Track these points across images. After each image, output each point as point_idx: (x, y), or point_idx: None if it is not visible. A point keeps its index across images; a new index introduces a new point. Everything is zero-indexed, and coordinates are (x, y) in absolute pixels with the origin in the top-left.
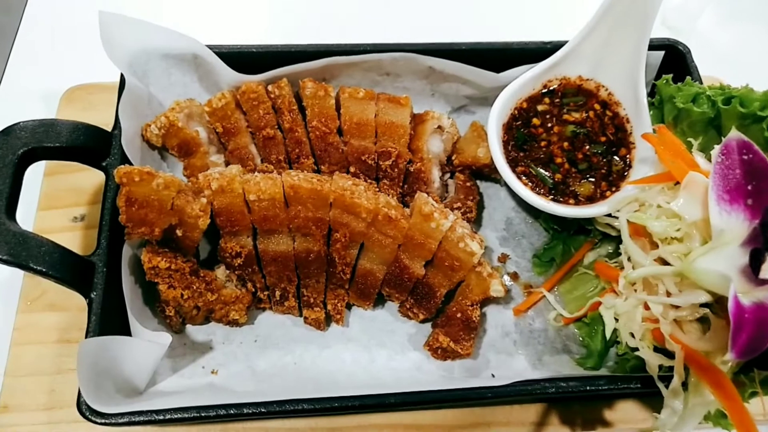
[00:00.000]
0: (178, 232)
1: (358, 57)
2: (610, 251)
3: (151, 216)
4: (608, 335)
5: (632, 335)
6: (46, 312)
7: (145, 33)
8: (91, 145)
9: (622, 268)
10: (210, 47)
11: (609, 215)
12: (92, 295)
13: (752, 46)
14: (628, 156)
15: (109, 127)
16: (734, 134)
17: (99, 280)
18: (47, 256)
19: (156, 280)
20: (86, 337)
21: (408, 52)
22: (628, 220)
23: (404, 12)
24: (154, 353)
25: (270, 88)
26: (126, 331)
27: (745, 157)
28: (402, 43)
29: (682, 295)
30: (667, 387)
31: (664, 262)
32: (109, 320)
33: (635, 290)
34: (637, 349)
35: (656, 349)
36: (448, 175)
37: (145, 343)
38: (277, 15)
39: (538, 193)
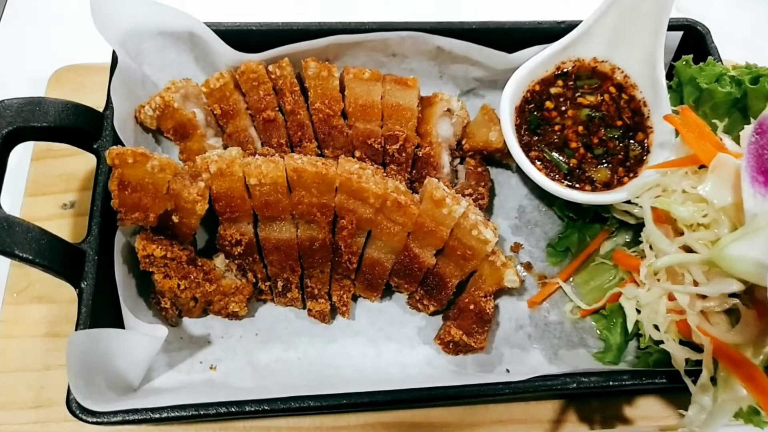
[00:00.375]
0: (174, 218)
1: (363, 36)
2: (628, 240)
3: (146, 200)
4: (630, 328)
5: (656, 327)
6: (34, 304)
7: (139, 9)
8: (81, 126)
9: (643, 257)
10: (207, 24)
11: (628, 202)
12: (83, 285)
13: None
14: (645, 141)
15: (100, 109)
16: None
17: (90, 268)
18: (34, 242)
19: (151, 270)
20: (76, 330)
21: (415, 31)
22: (651, 207)
23: None
24: (149, 347)
25: (270, 68)
26: (119, 324)
27: None
28: (409, 21)
29: (711, 284)
30: (694, 382)
31: (689, 250)
32: (100, 312)
33: (658, 280)
34: (661, 342)
35: (682, 342)
36: (458, 160)
37: (140, 336)
38: None
39: (554, 179)
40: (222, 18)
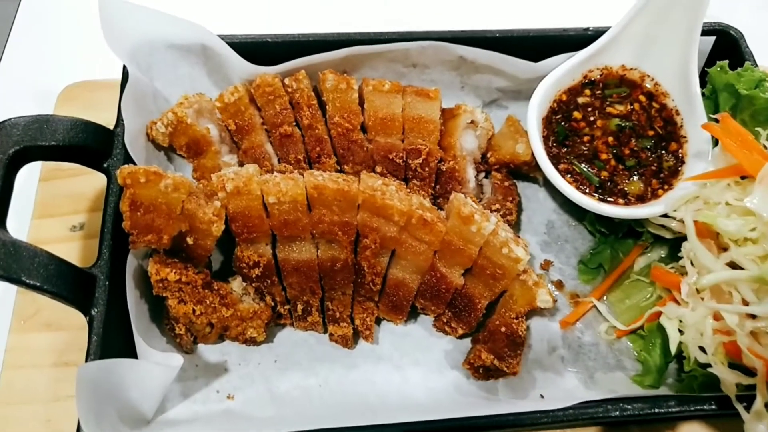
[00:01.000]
0: (189, 240)
1: (382, 46)
2: (663, 255)
3: (159, 222)
4: (673, 349)
5: (702, 350)
6: (42, 332)
7: (150, 21)
8: (91, 144)
9: (682, 273)
10: (221, 37)
11: (664, 215)
12: (93, 312)
13: None
14: (679, 151)
15: (111, 126)
16: None
17: (101, 294)
18: (42, 268)
19: (164, 295)
20: (86, 360)
21: (437, 40)
22: (694, 221)
23: None
24: (163, 377)
25: (287, 81)
26: (131, 352)
27: None
28: (430, 30)
29: (763, 303)
30: (747, 408)
31: (735, 266)
32: (111, 340)
33: (702, 298)
34: (708, 366)
35: (731, 365)
36: (483, 174)
37: (153, 365)
38: (294, 2)
39: (584, 192)
40: (236, 30)
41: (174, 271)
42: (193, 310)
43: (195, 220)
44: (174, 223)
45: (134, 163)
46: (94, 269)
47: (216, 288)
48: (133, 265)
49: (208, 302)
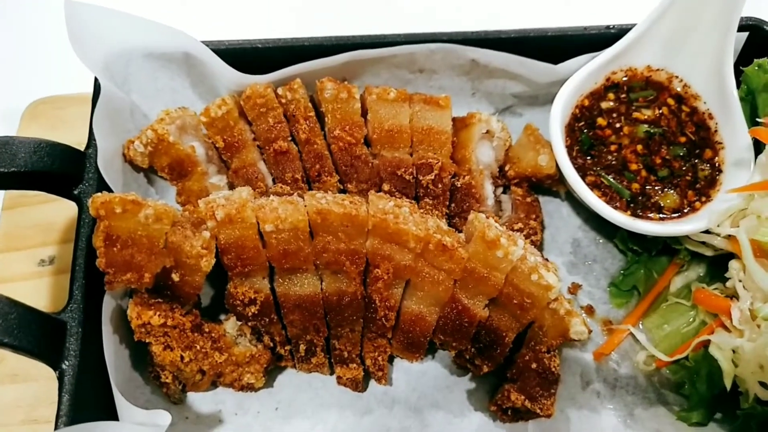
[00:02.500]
0: (175, 277)
1: (386, 50)
2: (701, 274)
3: (139, 258)
4: (728, 384)
5: (763, 385)
6: (7, 384)
7: (125, 27)
8: (58, 169)
9: (729, 296)
10: (205, 43)
11: (706, 231)
12: (64, 366)
13: None
14: (715, 158)
15: (82, 147)
16: None
17: (72, 345)
18: (1, 318)
19: (148, 340)
20: (56, 424)
21: (446, 42)
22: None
23: None
24: None
25: (280, 91)
26: (110, 409)
27: None
28: (438, 32)
29: None
30: None
31: None
32: (86, 396)
33: (759, 326)
34: None
35: None
36: (501, 189)
37: (136, 428)
38: (286, 2)
39: (615, 207)
40: (222, 35)
41: (158, 313)
42: (182, 357)
43: (181, 255)
44: (157, 259)
45: (109, 189)
46: (64, 315)
47: (207, 330)
48: (111, 306)
49: (198, 347)
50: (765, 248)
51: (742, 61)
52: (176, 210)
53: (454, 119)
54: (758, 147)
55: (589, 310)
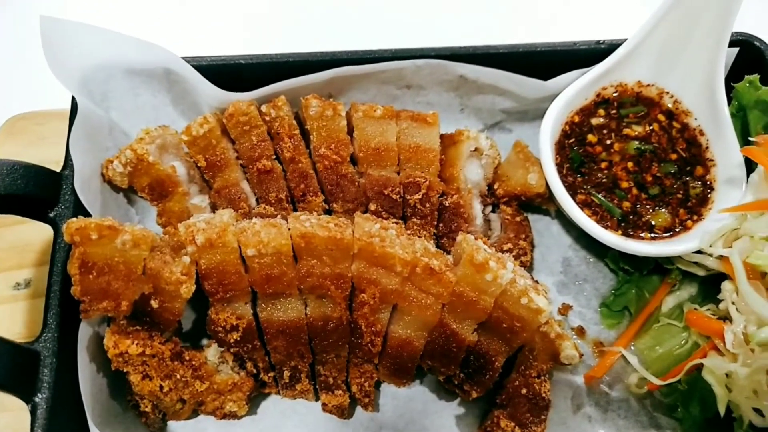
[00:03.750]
0: (154, 304)
1: (372, 66)
2: (693, 294)
3: (116, 285)
4: (721, 410)
5: (758, 411)
6: None
7: (103, 43)
8: (32, 192)
9: (721, 317)
10: (187, 59)
11: (698, 251)
12: (37, 399)
13: None
14: (707, 176)
15: (61, 164)
16: None
17: (46, 376)
18: None
19: (126, 369)
20: None
21: (434, 58)
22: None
23: (427, 10)
24: None
25: (264, 108)
26: None
27: None
28: (426, 47)
29: None
30: None
31: None
32: (61, 429)
33: (752, 350)
34: (765, 431)
35: None
36: (490, 207)
37: None
38: (269, 17)
39: (606, 227)
40: (203, 51)
41: (136, 342)
42: (161, 387)
43: (160, 281)
44: (134, 286)
45: (86, 213)
46: (37, 344)
47: (187, 359)
48: (88, 334)
49: (178, 376)
50: (758, 270)
51: (733, 76)
52: (155, 235)
53: (442, 136)
54: (750, 164)
55: (580, 332)
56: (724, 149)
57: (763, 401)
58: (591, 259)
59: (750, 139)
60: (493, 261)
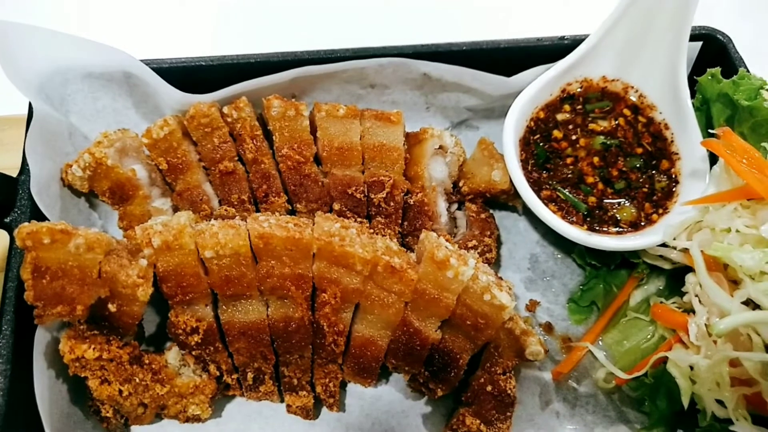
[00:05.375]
0: (112, 308)
1: (335, 66)
2: (661, 287)
3: (71, 289)
4: (685, 402)
5: (720, 402)
6: None
7: (60, 46)
8: None
9: (686, 310)
10: (147, 62)
11: (662, 244)
12: None
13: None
14: (672, 169)
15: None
16: None
17: (0, 383)
18: None
19: (84, 374)
20: None
21: (397, 56)
22: (702, 252)
23: (389, 9)
24: None
25: (226, 110)
26: None
27: None
28: (389, 46)
29: None
30: None
31: (753, 304)
32: None
33: (715, 342)
34: (728, 421)
35: (755, 420)
36: (456, 205)
37: None
38: (230, 18)
39: (571, 222)
40: (164, 53)
41: (93, 346)
42: (120, 391)
43: (116, 284)
44: (90, 290)
45: (43, 217)
46: None
47: (147, 362)
48: (46, 340)
49: (137, 380)
50: (720, 262)
51: (697, 71)
52: (111, 238)
53: (407, 135)
54: (714, 157)
55: (548, 328)
56: (689, 142)
57: (725, 392)
58: (559, 256)
59: (710, 131)
60: (454, 258)
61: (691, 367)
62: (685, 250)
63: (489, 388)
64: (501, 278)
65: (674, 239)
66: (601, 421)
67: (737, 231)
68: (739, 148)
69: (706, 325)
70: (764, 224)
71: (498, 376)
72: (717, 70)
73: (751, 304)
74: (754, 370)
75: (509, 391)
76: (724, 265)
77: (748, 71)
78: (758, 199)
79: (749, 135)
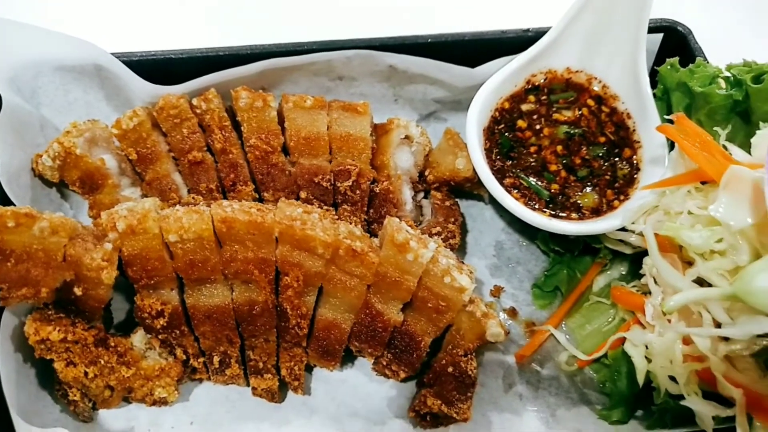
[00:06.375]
0: (77, 291)
1: (302, 58)
2: (624, 272)
3: (35, 272)
4: (640, 381)
5: (673, 379)
6: None
7: (30, 39)
8: None
9: (646, 293)
10: (116, 55)
11: (622, 229)
12: None
13: (736, 31)
14: (634, 157)
15: None
16: None
17: None
18: None
19: (49, 357)
20: None
21: (363, 48)
22: (655, 234)
23: (357, 2)
24: None
25: (195, 101)
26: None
27: None
28: (355, 38)
29: (738, 324)
30: None
31: (704, 283)
32: None
33: (669, 320)
34: (680, 397)
35: (706, 395)
36: (422, 194)
37: None
38: (198, 11)
39: (534, 209)
40: (134, 47)
41: (58, 329)
42: (86, 373)
43: (81, 268)
44: (55, 273)
45: (13, 205)
46: None
47: (112, 345)
48: (13, 324)
49: (103, 362)
50: (672, 243)
51: (660, 62)
52: (76, 223)
53: (376, 126)
54: (673, 144)
55: (512, 313)
56: (649, 131)
57: (677, 369)
58: (524, 243)
59: (665, 117)
60: (414, 241)
61: (647, 347)
62: (643, 234)
63: (450, 369)
64: (463, 262)
65: (633, 223)
66: (563, 403)
67: (689, 212)
68: (692, 132)
69: (661, 304)
70: (714, 205)
71: (459, 357)
72: (675, 59)
73: (705, 284)
74: (704, 346)
75: (470, 372)
76: (680, 247)
77: (707, 61)
78: (711, 182)
79: (705, 121)
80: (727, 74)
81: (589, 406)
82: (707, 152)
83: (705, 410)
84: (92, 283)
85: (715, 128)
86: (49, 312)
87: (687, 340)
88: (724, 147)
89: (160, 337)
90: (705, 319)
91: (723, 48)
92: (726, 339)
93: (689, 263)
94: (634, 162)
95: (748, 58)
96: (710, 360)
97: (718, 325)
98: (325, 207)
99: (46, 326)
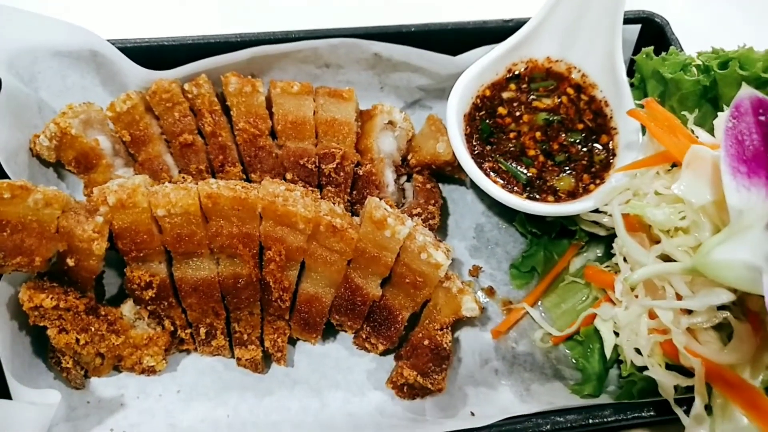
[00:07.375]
0: (70, 262)
1: (290, 45)
2: (600, 254)
3: (30, 242)
4: (608, 354)
5: (638, 351)
6: None
7: (30, 25)
8: None
9: (617, 272)
10: (111, 42)
11: (596, 211)
12: None
13: (722, 26)
14: (610, 143)
15: None
16: (747, 91)
17: None
18: None
19: (43, 324)
20: None
21: (348, 37)
22: (622, 213)
23: None
24: (38, 418)
25: (186, 86)
26: (7, 395)
27: (763, 118)
28: (341, 27)
29: (697, 296)
30: (687, 413)
31: (669, 260)
32: None
33: (636, 296)
34: (645, 369)
35: (669, 367)
36: (405, 177)
37: (24, 406)
38: (191, 0)
39: (512, 191)
40: (129, 33)
41: (51, 296)
42: (77, 340)
43: (73, 239)
44: (48, 243)
45: None
46: None
47: (103, 313)
48: (9, 294)
49: (93, 330)
50: (641, 223)
51: (638, 52)
52: (69, 196)
53: (361, 112)
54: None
55: (490, 292)
56: (625, 117)
57: (641, 341)
58: (503, 226)
59: (636, 102)
60: (391, 218)
61: (615, 322)
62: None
63: (426, 342)
64: (440, 240)
65: (606, 205)
66: (537, 378)
67: (656, 192)
68: (661, 116)
69: (626, 280)
70: (676, 183)
71: (435, 331)
72: (650, 49)
73: (670, 260)
74: (666, 319)
75: (445, 345)
76: (649, 226)
77: (681, 49)
78: (679, 164)
79: (677, 107)
80: (699, 62)
81: (562, 381)
82: (674, 135)
83: (667, 380)
84: (84, 254)
85: (683, 112)
86: (43, 283)
87: (652, 315)
88: (692, 131)
89: (149, 308)
90: (668, 293)
91: (707, 40)
92: (689, 312)
93: (658, 242)
94: (611, 148)
95: (728, 48)
96: (672, 332)
97: (681, 299)
98: (309, 188)
99: (40, 294)
